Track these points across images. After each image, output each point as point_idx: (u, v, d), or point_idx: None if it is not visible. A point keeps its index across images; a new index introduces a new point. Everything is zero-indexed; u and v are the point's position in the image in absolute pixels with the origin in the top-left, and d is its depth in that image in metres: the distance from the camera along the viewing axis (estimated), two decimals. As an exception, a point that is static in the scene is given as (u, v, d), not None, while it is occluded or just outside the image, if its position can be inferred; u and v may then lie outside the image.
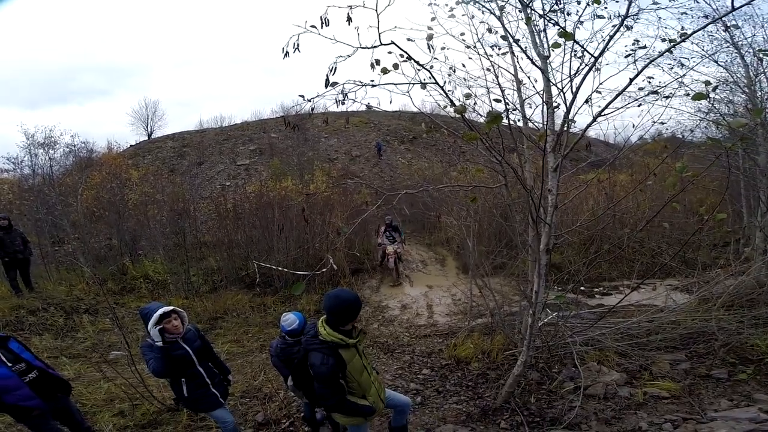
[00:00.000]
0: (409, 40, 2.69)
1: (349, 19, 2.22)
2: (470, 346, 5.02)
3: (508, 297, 6.92)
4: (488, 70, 3.02)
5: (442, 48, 2.69)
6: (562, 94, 2.33)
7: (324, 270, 7.97)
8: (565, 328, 4.69)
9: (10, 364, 2.74)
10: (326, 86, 2.29)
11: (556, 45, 1.98)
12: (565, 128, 2.41)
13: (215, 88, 61.53)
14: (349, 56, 2.23)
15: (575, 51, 2.51)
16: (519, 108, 3.26)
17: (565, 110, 2.32)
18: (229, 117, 31.47)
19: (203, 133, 24.72)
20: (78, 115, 50.86)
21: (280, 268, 8.20)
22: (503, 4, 2.81)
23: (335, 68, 2.24)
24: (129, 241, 9.86)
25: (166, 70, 64.15)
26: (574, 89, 2.35)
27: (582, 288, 7.82)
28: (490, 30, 3.24)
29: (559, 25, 2.41)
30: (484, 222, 8.45)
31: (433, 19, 2.83)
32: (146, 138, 28.36)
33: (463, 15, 2.82)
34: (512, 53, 3.35)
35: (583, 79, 2.36)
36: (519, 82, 3.38)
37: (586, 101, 2.61)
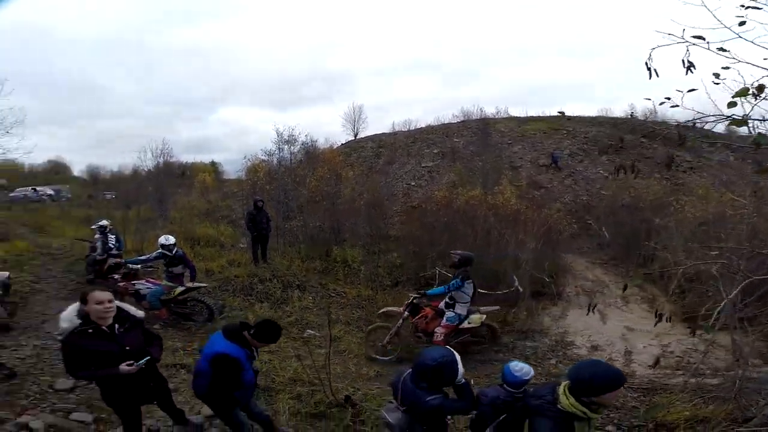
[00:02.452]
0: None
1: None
2: (682, 411, 3.93)
3: (746, 358, 5.20)
4: None
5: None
6: None
7: (507, 291, 7.57)
8: None
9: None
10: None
11: None
12: None
13: (404, 94, 67.73)
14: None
15: None
16: None
17: None
18: (415, 120, 33.72)
19: (395, 136, 27.11)
20: (307, 116, 64.39)
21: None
22: None
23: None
24: (336, 227, 11.62)
25: (368, 78, 74.12)
26: None
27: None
28: None
29: None
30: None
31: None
32: (353, 138, 33.02)
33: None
34: None
35: None
36: None
37: None
